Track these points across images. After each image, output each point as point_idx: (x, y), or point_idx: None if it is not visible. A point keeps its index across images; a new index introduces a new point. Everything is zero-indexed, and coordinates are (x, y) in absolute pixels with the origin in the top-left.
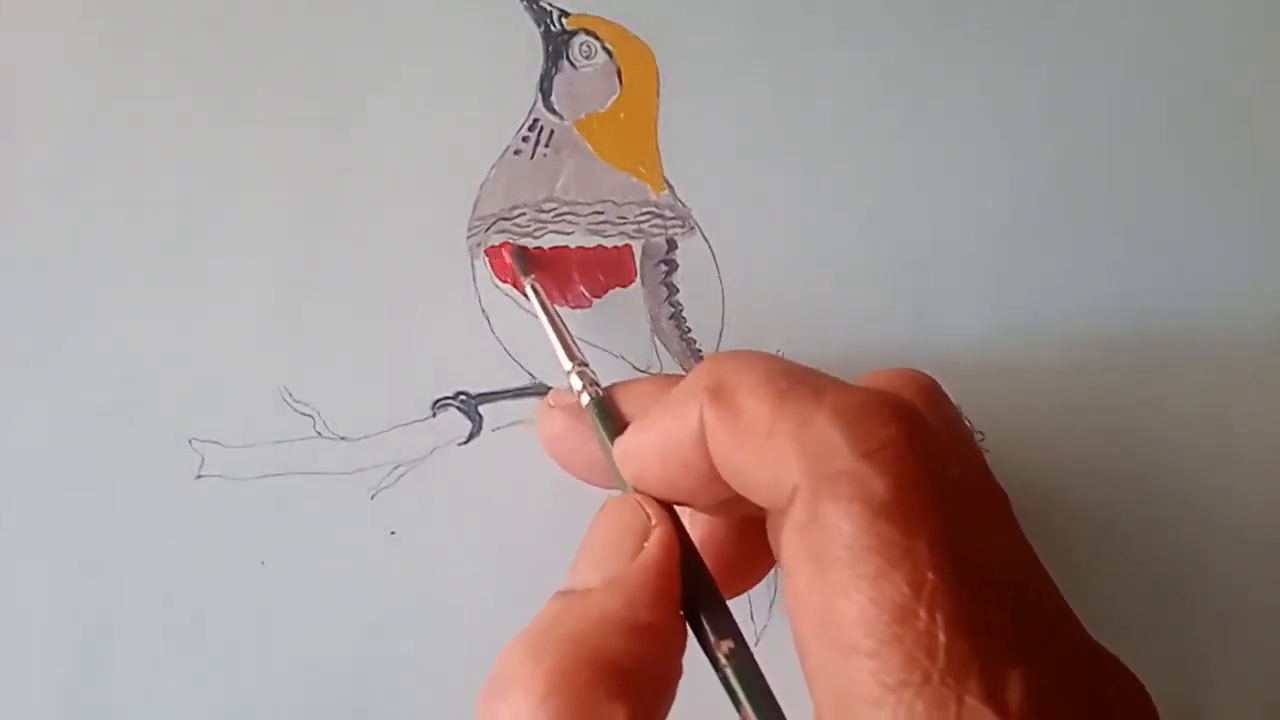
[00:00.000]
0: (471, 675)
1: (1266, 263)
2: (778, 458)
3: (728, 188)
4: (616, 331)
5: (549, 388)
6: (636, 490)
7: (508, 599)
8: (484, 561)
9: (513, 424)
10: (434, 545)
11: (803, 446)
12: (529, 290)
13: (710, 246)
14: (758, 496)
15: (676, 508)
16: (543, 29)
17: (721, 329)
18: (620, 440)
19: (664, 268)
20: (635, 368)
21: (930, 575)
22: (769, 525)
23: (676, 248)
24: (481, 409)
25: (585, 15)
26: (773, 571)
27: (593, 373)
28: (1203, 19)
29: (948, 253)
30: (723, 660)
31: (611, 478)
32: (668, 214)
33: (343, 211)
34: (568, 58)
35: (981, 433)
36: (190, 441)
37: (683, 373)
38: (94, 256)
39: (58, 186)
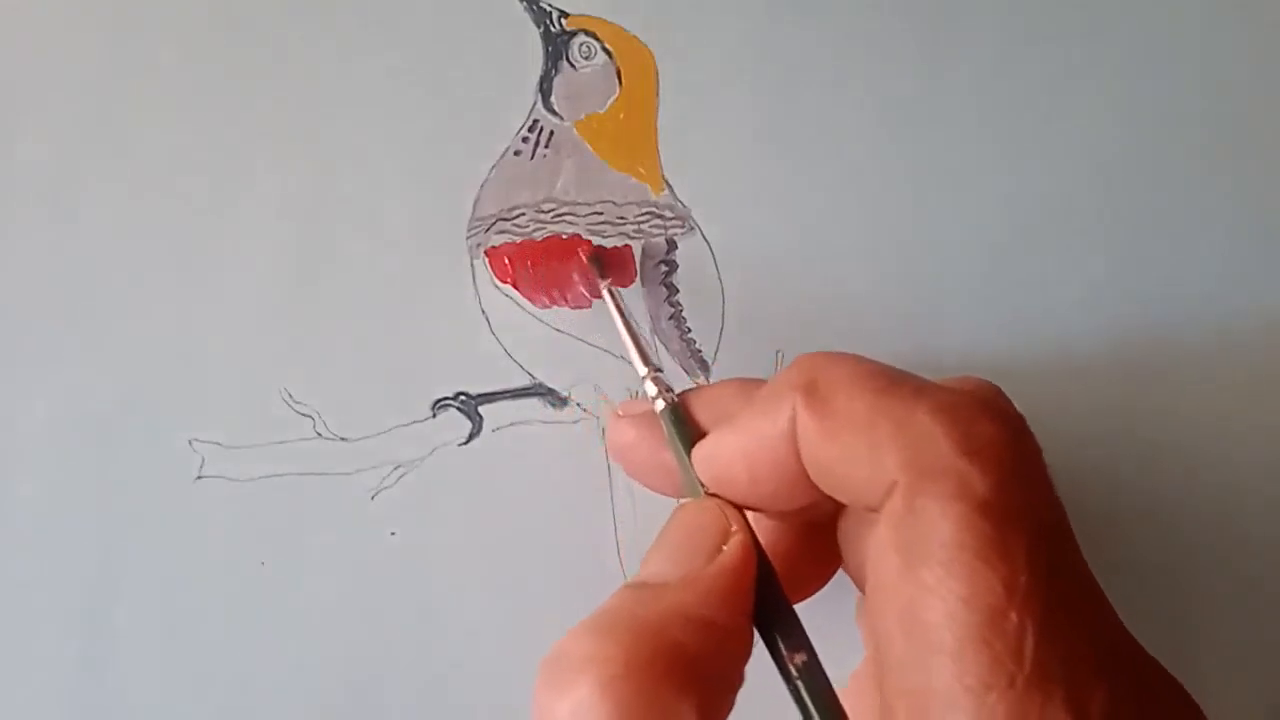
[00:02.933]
0: (471, 675)
1: (1267, 263)
2: (875, 454)
3: (728, 188)
4: (617, 332)
5: (549, 388)
6: (713, 496)
7: (507, 599)
8: (484, 562)
9: (513, 424)
10: (434, 545)
11: (903, 442)
12: (605, 294)
13: (710, 247)
14: (848, 494)
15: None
16: (542, 29)
17: (721, 329)
18: (702, 444)
19: (664, 268)
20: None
21: (1024, 578)
22: (843, 525)
23: (676, 248)
24: (481, 409)
25: (585, 15)
26: None
27: (667, 380)
28: (1204, 21)
29: (947, 253)
30: (795, 673)
31: (685, 486)
32: (667, 214)
33: (342, 212)
34: (567, 58)
35: None
36: (190, 442)
37: (754, 376)
38: (94, 257)
39: (58, 186)
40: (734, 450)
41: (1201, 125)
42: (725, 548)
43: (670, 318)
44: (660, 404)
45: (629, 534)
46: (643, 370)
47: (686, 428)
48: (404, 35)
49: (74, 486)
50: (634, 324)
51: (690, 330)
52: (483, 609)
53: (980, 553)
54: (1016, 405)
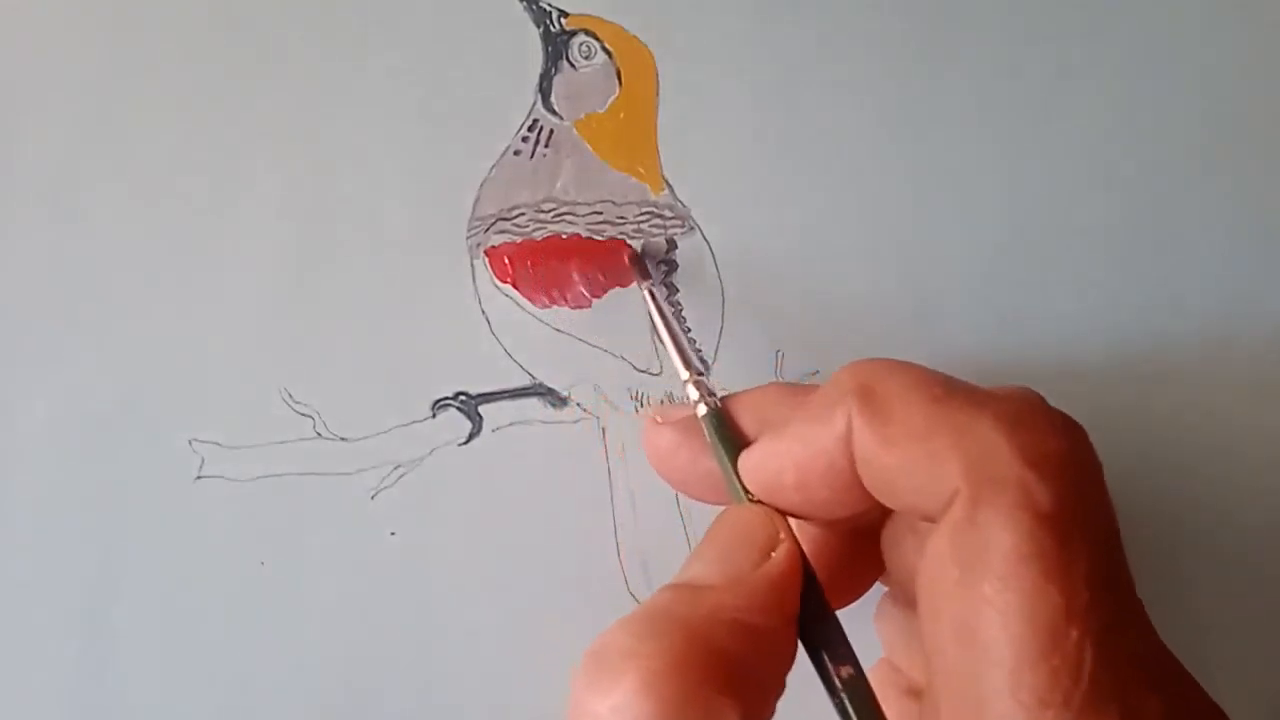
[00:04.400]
0: (471, 675)
1: (1268, 264)
2: (934, 462)
3: (727, 188)
4: (616, 332)
5: (549, 388)
6: (757, 504)
7: (507, 599)
8: (484, 562)
9: (512, 425)
10: (434, 545)
11: (964, 451)
12: (646, 296)
13: (710, 246)
14: (905, 503)
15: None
16: (542, 29)
17: (721, 329)
18: (750, 451)
19: (663, 268)
20: (635, 368)
21: (1085, 593)
22: (889, 533)
23: (676, 248)
24: (481, 409)
25: (584, 15)
26: None
27: (710, 383)
28: (1204, 22)
29: (947, 253)
30: (840, 686)
31: (727, 492)
32: (667, 214)
33: (342, 211)
34: (567, 58)
35: None
36: (190, 442)
37: (799, 381)
38: (94, 257)
39: (58, 186)
40: (784, 458)
41: (1202, 126)
42: (773, 555)
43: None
44: (703, 409)
45: (629, 534)
46: (685, 374)
47: (729, 433)
48: (404, 35)
49: (74, 486)
50: (675, 326)
51: (690, 330)
52: (482, 609)
53: (1042, 567)
54: None
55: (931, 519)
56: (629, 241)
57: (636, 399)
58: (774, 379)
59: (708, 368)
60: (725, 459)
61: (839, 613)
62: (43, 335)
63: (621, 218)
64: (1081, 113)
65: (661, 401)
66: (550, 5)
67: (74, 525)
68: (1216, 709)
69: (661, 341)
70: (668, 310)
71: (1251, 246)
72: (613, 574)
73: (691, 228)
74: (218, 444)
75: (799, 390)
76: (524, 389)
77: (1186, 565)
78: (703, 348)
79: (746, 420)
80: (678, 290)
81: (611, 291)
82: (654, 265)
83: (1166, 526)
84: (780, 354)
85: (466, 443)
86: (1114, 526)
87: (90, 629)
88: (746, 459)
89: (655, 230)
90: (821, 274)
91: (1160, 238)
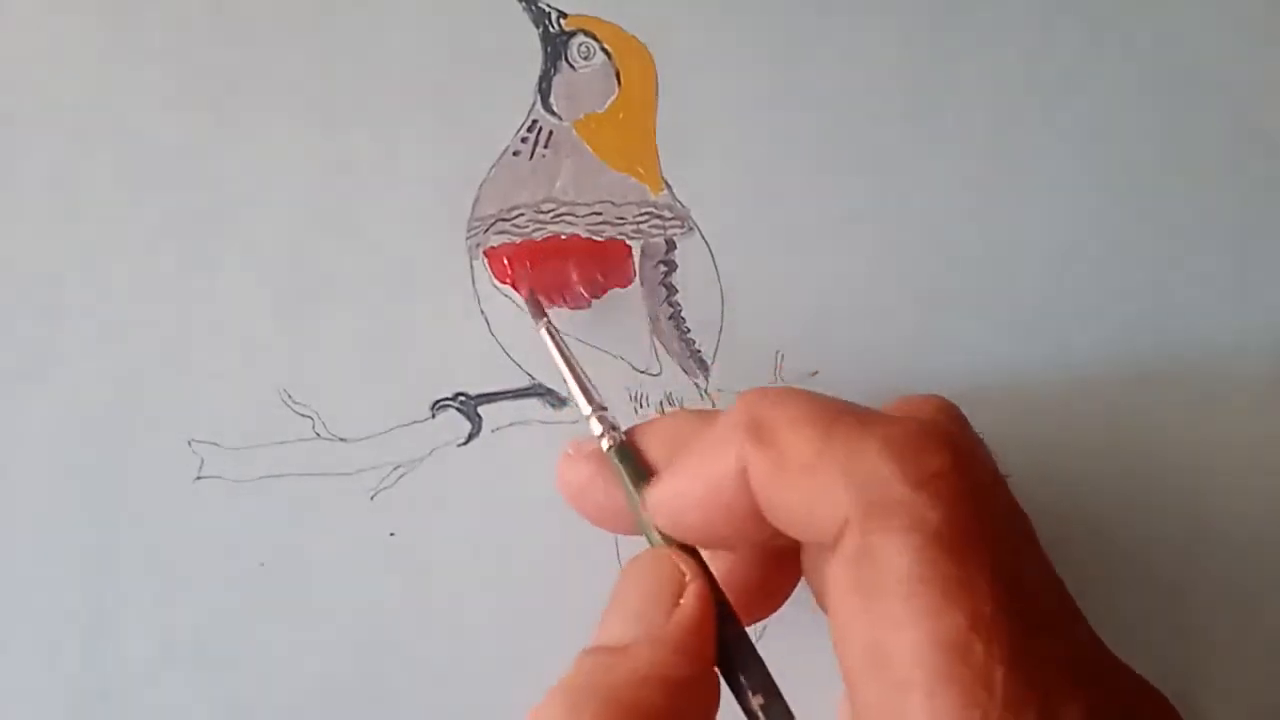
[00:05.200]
0: (471, 675)
1: (1264, 271)
2: (825, 491)
3: (727, 188)
4: (616, 333)
5: (548, 389)
6: (667, 538)
7: (507, 600)
8: (483, 562)
9: (512, 425)
10: (434, 546)
11: (852, 478)
12: (543, 333)
13: (709, 247)
14: (802, 532)
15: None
16: (541, 30)
17: (721, 329)
18: (652, 490)
19: (663, 268)
20: (635, 369)
21: (987, 607)
22: (806, 561)
23: (675, 248)
24: (480, 410)
25: (584, 16)
26: None
27: (613, 418)
28: (1207, 24)
29: (947, 253)
30: (758, 713)
31: (638, 525)
32: (666, 214)
33: (342, 212)
34: (566, 59)
35: (980, 433)
36: (190, 443)
37: (701, 406)
38: (94, 257)
39: (58, 187)
40: (685, 495)
41: (1205, 133)
42: (682, 600)
43: (669, 318)
44: (606, 444)
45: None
46: (586, 409)
47: (637, 467)
48: (404, 35)
49: (74, 486)
50: (575, 361)
51: (689, 330)
52: (482, 609)
53: (940, 586)
54: (1015, 403)
55: (831, 548)
56: (527, 292)
57: (636, 399)
58: (774, 379)
59: (707, 368)
60: (634, 496)
61: (783, 635)
62: (43, 335)
63: (621, 218)
64: (1083, 113)
65: (661, 402)
66: (549, 6)
67: (74, 525)
68: (1156, 699)
69: (573, 376)
70: (565, 346)
71: (1253, 248)
72: (612, 574)
73: (691, 228)
74: (217, 444)
75: (700, 417)
76: (523, 389)
77: (1184, 566)
78: (702, 348)
79: (655, 452)
80: (677, 290)
81: (610, 292)
82: (652, 265)
83: (1165, 527)
84: (780, 354)
85: (466, 443)
86: (1021, 533)
87: (90, 629)
88: (650, 497)
89: (654, 230)
90: (821, 274)
91: (1160, 238)
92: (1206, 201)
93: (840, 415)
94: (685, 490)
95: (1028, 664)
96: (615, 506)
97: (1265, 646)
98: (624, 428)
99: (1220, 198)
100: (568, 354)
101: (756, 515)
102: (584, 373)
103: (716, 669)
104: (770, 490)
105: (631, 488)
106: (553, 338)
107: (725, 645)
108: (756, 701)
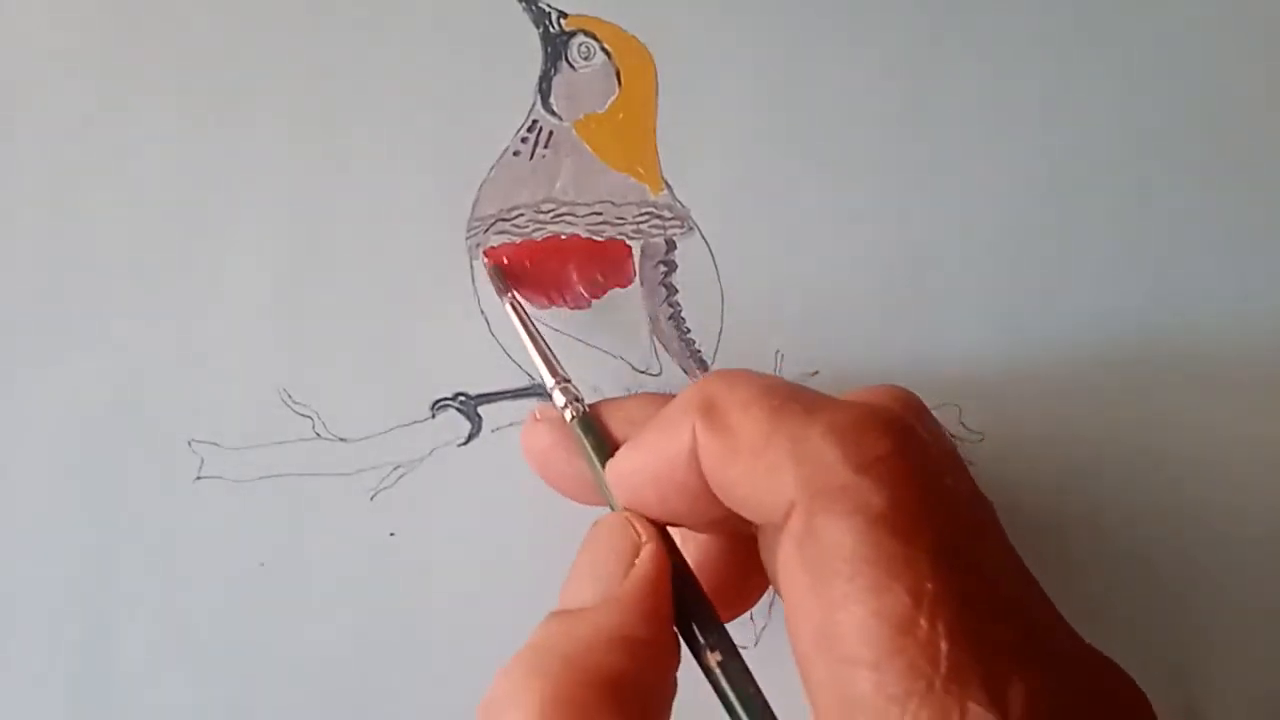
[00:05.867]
0: (471, 675)
1: (1263, 270)
2: (772, 474)
3: (727, 188)
4: (616, 333)
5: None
6: (628, 510)
7: (506, 599)
8: (483, 562)
9: (512, 425)
10: (434, 546)
11: (798, 462)
12: (507, 307)
13: (709, 247)
14: (752, 513)
15: (673, 529)
16: (541, 30)
17: (721, 329)
18: (613, 461)
19: (663, 268)
20: (635, 369)
21: (930, 585)
22: (761, 542)
23: (675, 248)
24: (480, 410)
25: (584, 16)
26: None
27: (576, 389)
28: (1206, 23)
29: (947, 253)
30: (715, 670)
31: (598, 495)
32: (666, 214)
33: (342, 212)
34: (566, 59)
35: (981, 434)
36: (190, 443)
37: (669, 392)
38: (94, 257)
39: (58, 187)
40: (641, 469)
41: (1202, 131)
42: (637, 561)
43: (669, 318)
44: (569, 414)
45: None
46: (550, 381)
47: (599, 439)
48: (404, 35)
49: (74, 486)
50: (539, 335)
51: (689, 330)
52: (482, 609)
53: (883, 564)
54: (1014, 403)
55: (778, 530)
56: (487, 255)
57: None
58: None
59: (707, 368)
60: (596, 464)
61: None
62: (42, 335)
63: (621, 218)
64: (1082, 113)
65: None
66: (549, 6)
67: (74, 525)
68: (1114, 674)
69: (536, 349)
70: (529, 318)
71: (1252, 246)
72: None
73: (691, 228)
74: (217, 444)
75: (664, 398)
76: (523, 389)
77: (1181, 563)
78: (702, 348)
79: (617, 427)
80: (677, 290)
81: (610, 292)
82: (652, 265)
83: (1161, 523)
84: (780, 354)
85: (466, 443)
86: (975, 517)
87: (90, 629)
88: (610, 469)
89: (654, 230)
90: (821, 274)
91: (1160, 238)
92: (1207, 202)
93: (789, 399)
94: (641, 466)
95: (975, 639)
96: (575, 474)
97: (1265, 645)
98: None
99: (1221, 198)
100: (532, 328)
101: (709, 494)
102: (548, 346)
103: (676, 630)
104: (720, 471)
105: (594, 457)
106: (517, 312)
107: (683, 605)
108: (714, 659)
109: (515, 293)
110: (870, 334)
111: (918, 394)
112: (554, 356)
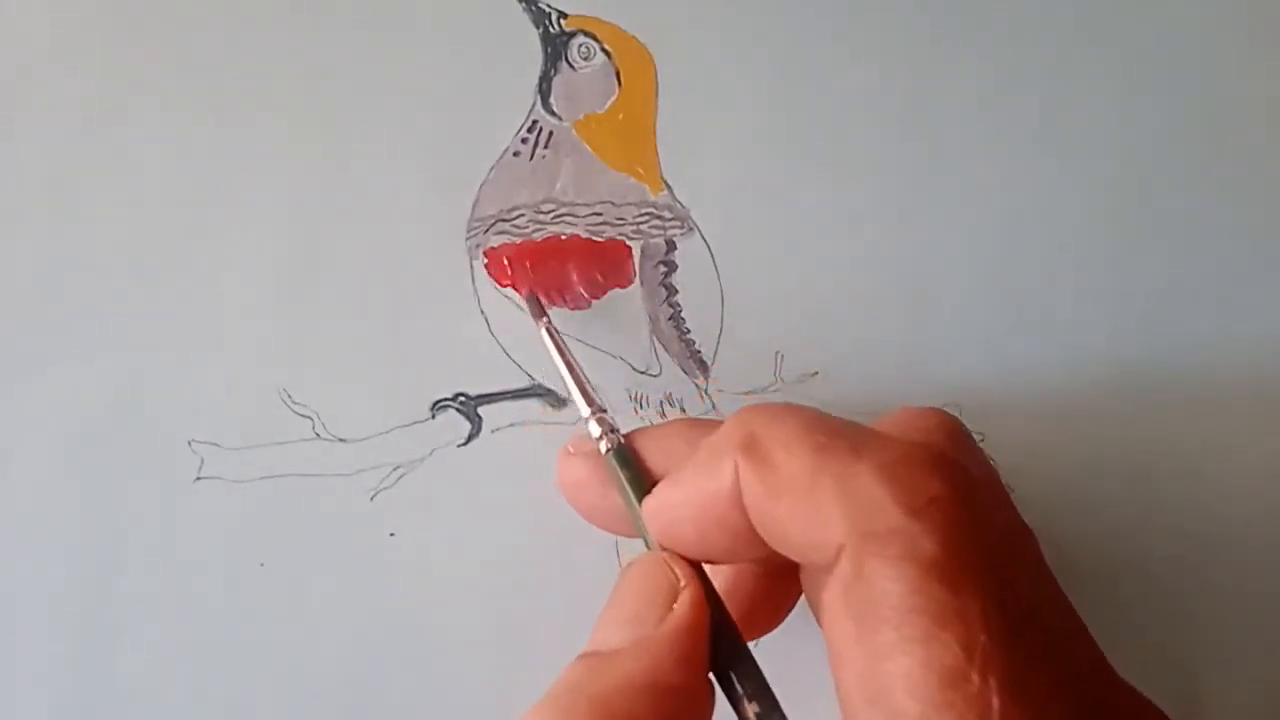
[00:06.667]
0: (471, 676)
1: (1263, 270)
2: (819, 514)
3: (727, 188)
4: (616, 333)
5: (548, 389)
6: (665, 547)
7: (506, 600)
8: (483, 562)
9: (512, 426)
10: (434, 546)
11: (846, 503)
12: (543, 334)
13: (709, 247)
14: (797, 553)
15: None
16: (541, 30)
17: (721, 329)
18: (650, 498)
19: (663, 268)
20: (634, 369)
21: (983, 637)
22: (804, 580)
23: (675, 248)
24: (480, 410)
25: (584, 16)
26: None
27: (612, 420)
28: (1205, 24)
29: (947, 253)
30: None
31: (634, 528)
32: (666, 215)
33: (342, 212)
34: (566, 59)
35: (981, 434)
36: (190, 443)
37: (704, 417)
38: (94, 258)
39: (58, 188)
40: (681, 508)
41: (1203, 140)
42: (675, 606)
43: (669, 318)
44: (605, 446)
45: None
46: (585, 411)
47: (635, 471)
48: (404, 35)
49: (74, 486)
50: (575, 362)
51: (690, 331)
52: (482, 609)
53: (934, 615)
54: (1014, 404)
55: (826, 571)
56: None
57: (635, 400)
58: (774, 379)
59: (707, 369)
60: (631, 499)
61: (784, 647)
62: (42, 335)
63: (621, 219)
64: (1083, 114)
65: (661, 403)
66: (549, 6)
67: (74, 525)
68: (1153, 714)
69: (573, 377)
70: (566, 346)
71: (1251, 247)
72: (612, 575)
73: (691, 228)
74: (217, 445)
75: (702, 426)
76: (523, 390)
77: (1183, 568)
78: (702, 348)
79: (653, 458)
80: (677, 291)
81: (610, 292)
82: (652, 266)
83: (1165, 530)
84: (780, 355)
85: (466, 444)
86: (1022, 553)
87: (90, 629)
88: (647, 506)
89: (654, 231)
90: (821, 274)
91: (1160, 239)
92: (1207, 202)
93: (834, 435)
94: (680, 503)
95: (1026, 693)
96: (611, 507)
97: (1269, 651)
98: (624, 430)
99: (1221, 199)
100: (568, 355)
101: (751, 533)
102: (584, 374)
103: (712, 676)
104: (764, 510)
105: (630, 492)
106: (553, 338)
107: (721, 652)
108: (752, 709)
109: (550, 319)
110: (870, 334)
111: (917, 394)
112: (590, 385)
